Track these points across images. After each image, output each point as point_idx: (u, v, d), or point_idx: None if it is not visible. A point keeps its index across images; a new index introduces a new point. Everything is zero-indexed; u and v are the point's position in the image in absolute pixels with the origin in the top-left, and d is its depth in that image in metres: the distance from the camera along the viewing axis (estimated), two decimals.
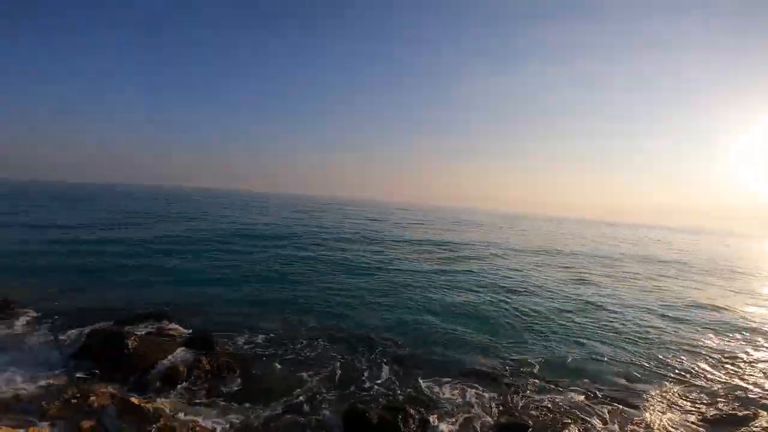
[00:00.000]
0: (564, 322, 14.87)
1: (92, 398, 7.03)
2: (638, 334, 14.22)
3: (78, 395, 6.99)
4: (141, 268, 18.10)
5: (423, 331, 12.94)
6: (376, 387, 9.10)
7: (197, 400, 7.84)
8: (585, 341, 13.09)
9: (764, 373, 11.62)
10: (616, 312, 17.04)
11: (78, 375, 7.88)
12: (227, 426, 7.10)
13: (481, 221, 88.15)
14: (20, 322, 10.27)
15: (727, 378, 11.03)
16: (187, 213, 50.90)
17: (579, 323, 14.96)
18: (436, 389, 9.18)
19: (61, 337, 9.53)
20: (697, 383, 10.54)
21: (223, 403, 7.78)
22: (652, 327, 15.24)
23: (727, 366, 11.93)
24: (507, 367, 10.61)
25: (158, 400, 7.52)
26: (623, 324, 15.35)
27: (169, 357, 9.25)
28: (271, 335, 11.37)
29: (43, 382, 7.44)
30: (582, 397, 9.28)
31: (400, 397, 8.69)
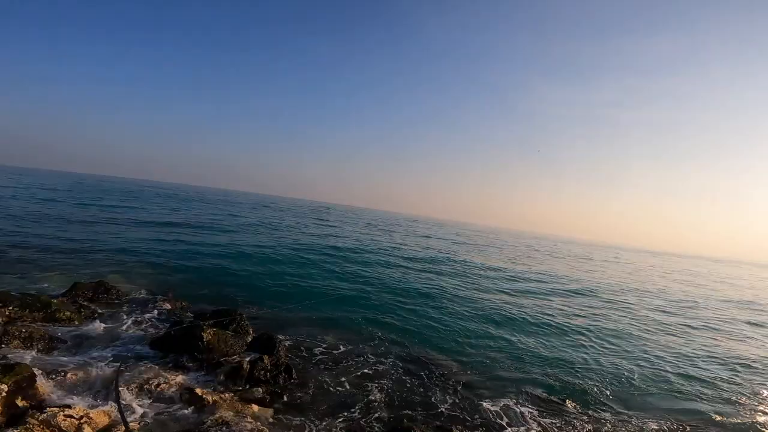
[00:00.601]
0: None
1: (163, 385, 7.68)
2: None
3: (152, 382, 7.68)
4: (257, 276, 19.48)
5: None
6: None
7: (256, 397, 8.14)
8: None
9: None
10: None
11: (157, 362, 8.69)
12: (277, 426, 7.26)
13: (557, 248, 79.76)
14: (114, 310, 11.52)
15: None
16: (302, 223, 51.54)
17: None
18: None
19: (147, 326, 10.67)
20: None
21: (276, 405, 7.99)
22: None
23: None
24: None
25: (220, 393, 7.90)
26: None
27: (238, 354, 9.83)
28: (341, 347, 11.55)
29: (122, 366, 8.22)
30: None
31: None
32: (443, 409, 8.90)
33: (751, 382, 13.37)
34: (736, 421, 10.46)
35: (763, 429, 10.18)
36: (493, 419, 8.78)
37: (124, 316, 11.03)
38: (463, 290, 21.89)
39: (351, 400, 8.69)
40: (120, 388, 7.16)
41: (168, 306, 12.58)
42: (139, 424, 6.38)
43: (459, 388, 10.02)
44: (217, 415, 7.01)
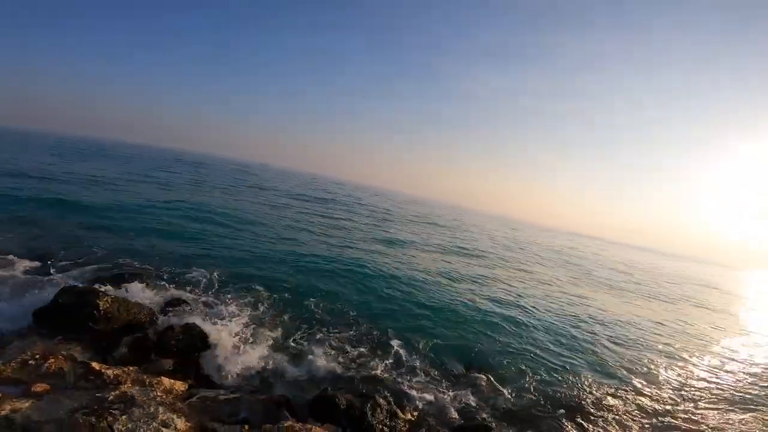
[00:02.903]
0: None
1: (51, 360, 6.73)
2: None
3: (37, 356, 6.68)
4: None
5: None
6: None
7: (166, 369, 7.56)
8: None
9: None
10: None
11: (42, 334, 7.59)
12: (192, 399, 6.82)
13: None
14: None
15: None
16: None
17: None
18: None
19: (32, 292, 9.23)
20: None
21: (190, 378, 7.51)
22: None
23: None
24: None
25: (122, 367, 7.16)
26: None
27: (144, 322, 8.97)
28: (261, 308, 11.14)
29: (3, 340, 7.08)
30: None
31: None
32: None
33: None
34: None
35: None
36: None
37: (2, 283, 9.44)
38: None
39: (272, 370, 8.49)
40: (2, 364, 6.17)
41: (58, 268, 11.02)
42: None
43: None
44: (121, 390, 6.35)
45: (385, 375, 9.24)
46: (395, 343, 10.78)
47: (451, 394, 8.98)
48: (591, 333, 15.46)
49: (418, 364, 10.04)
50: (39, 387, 5.87)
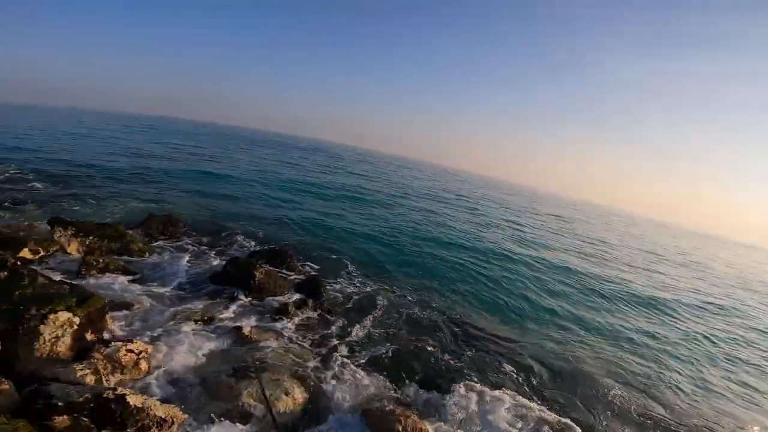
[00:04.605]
0: None
1: (215, 322, 8.44)
2: None
3: (205, 317, 8.46)
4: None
5: None
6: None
7: (296, 337, 8.71)
8: None
9: None
10: None
11: (212, 295, 9.54)
12: (317, 372, 7.79)
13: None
14: (180, 242, 12.57)
15: None
16: None
17: None
18: None
19: (208, 260, 11.60)
20: None
21: (315, 345, 8.54)
22: None
23: None
24: None
25: (264, 332, 8.53)
26: None
27: (285, 294, 10.47)
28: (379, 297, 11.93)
29: (181, 299, 9.09)
30: None
31: None
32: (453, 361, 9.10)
33: None
34: None
35: None
36: None
37: (188, 250, 12.06)
38: None
39: (384, 347, 9.07)
40: (179, 322, 8.02)
41: (227, 240, 13.53)
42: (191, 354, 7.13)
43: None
44: (259, 354, 7.64)
45: None
46: None
47: None
48: None
49: None
50: (202, 345, 7.46)
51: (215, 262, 11.51)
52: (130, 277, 9.48)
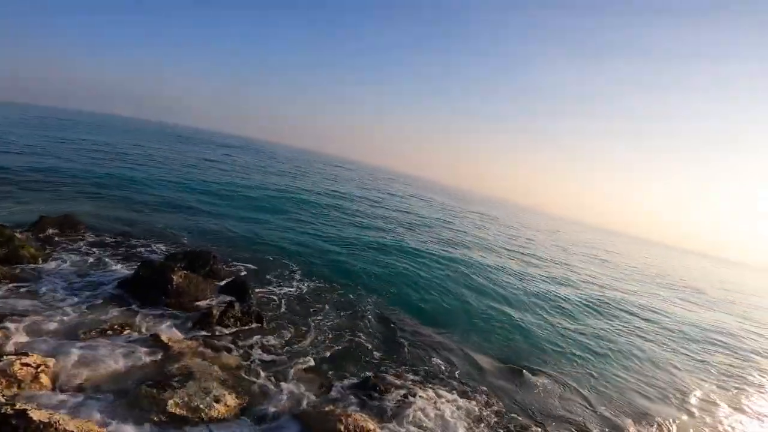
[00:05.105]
0: None
1: (127, 331, 7.61)
2: None
3: (115, 326, 7.58)
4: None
5: None
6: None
7: (222, 344, 8.17)
8: None
9: None
10: None
11: (122, 303, 8.58)
12: (246, 375, 7.36)
13: None
14: (80, 246, 11.17)
15: None
16: None
17: None
18: None
19: (116, 266, 10.43)
20: None
21: (246, 354, 8.07)
22: None
23: None
24: None
25: (187, 341, 7.88)
26: None
27: (209, 299, 9.78)
28: (308, 295, 11.65)
29: (86, 309, 8.07)
30: None
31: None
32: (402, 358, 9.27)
33: None
34: None
35: None
36: None
37: (91, 254, 10.74)
38: None
39: (318, 349, 8.88)
40: (86, 332, 7.11)
41: (137, 244, 12.31)
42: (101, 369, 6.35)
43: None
44: (182, 363, 7.03)
45: None
46: None
47: None
48: None
49: None
50: (113, 355, 6.68)
51: (125, 267, 10.38)
52: (23, 287, 8.20)
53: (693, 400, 11.22)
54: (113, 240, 12.15)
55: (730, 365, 15.09)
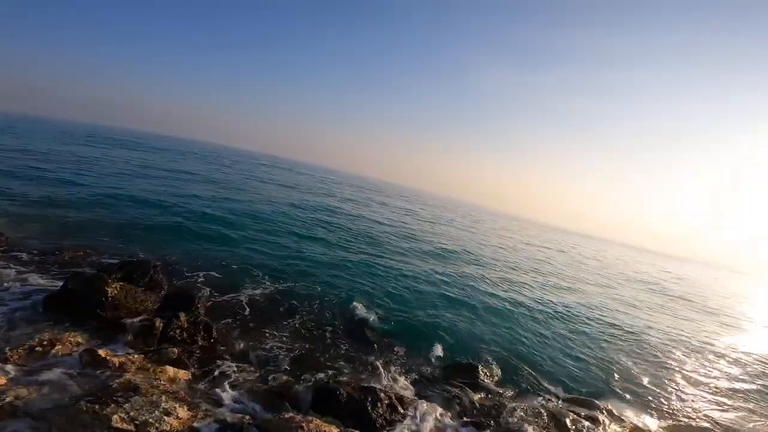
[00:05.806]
0: None
1: (58, 347, 6.89)
2: None
3: (44, 343, 6.84)
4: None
5: None
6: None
7: (170, 358, 7.67)
8: None
9: None
10: None
11: (51, 320, 7.76)
12: (194, 389, 6.93)
13: None
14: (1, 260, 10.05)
15: None
16: None
17: None
18: None
19: (42, 279, 9.44)
20: None
21: (194, 367, 7.62)
22: None
23: None
24: None
25: (128, 354, 7.30)
26: None
27: (150, 311, 9.11)
28: (261, 301, 11.24)
29: (8, 327, 7.24)
30: None
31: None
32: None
33: None
34: None
35: None
36: None
37: (12, 269, 9.64)
38: None
39: (273, 360, 8.59)
40: (10, 351, 6.34)
41: (66, 256, 11.23)
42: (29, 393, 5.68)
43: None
44: (125, 378, 6.48)
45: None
46: None
47: None
48: None
49: None
50: (45, 374, 6.02)
51: (52, 281, 9.43)
52: None
53: None
54: (37, 251, 10.99)
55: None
